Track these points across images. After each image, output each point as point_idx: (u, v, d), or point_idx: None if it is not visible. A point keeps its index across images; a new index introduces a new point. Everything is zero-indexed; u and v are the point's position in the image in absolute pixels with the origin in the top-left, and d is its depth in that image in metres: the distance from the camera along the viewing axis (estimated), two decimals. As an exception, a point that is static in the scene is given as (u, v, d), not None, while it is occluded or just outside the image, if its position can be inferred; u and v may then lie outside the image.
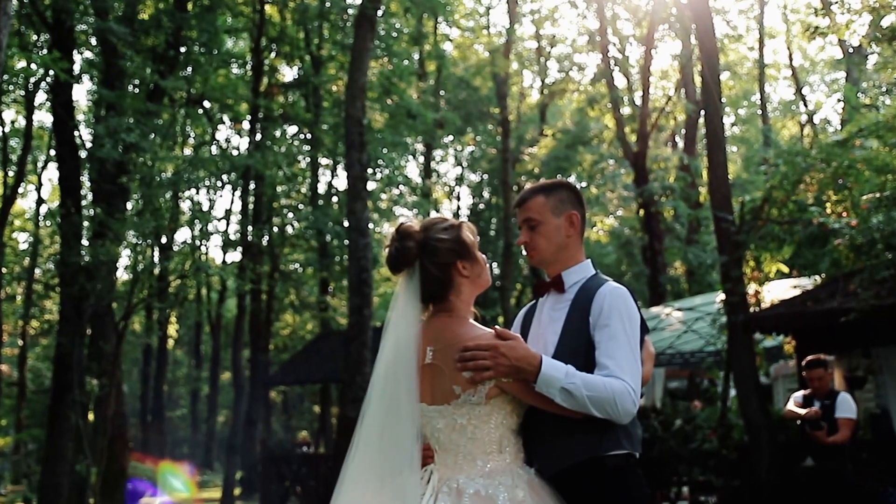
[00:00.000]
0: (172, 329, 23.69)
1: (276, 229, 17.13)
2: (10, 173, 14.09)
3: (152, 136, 11.62)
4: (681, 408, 8.66)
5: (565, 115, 20.26)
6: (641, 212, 15.57)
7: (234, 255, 21.10)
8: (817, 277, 7.93)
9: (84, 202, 11.44)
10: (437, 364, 1.70)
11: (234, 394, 15.89)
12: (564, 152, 18.27)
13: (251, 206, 15.06)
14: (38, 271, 15.64)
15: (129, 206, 11.77)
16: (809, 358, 5.35)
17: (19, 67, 12.80)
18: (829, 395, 5.22)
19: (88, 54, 13.67)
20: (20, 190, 14.97)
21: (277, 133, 16.71)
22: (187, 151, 15.67)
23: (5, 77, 12.13)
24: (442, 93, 19.18)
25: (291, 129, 17.88)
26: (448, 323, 1.74)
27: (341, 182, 21.08)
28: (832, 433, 5.09)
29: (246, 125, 16.08)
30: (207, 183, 17.35)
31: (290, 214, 17.52)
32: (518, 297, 19.81)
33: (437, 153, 20.40)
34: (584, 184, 18.76)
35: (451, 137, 19.76)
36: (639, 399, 1.69)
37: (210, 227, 17.92)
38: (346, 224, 12.80)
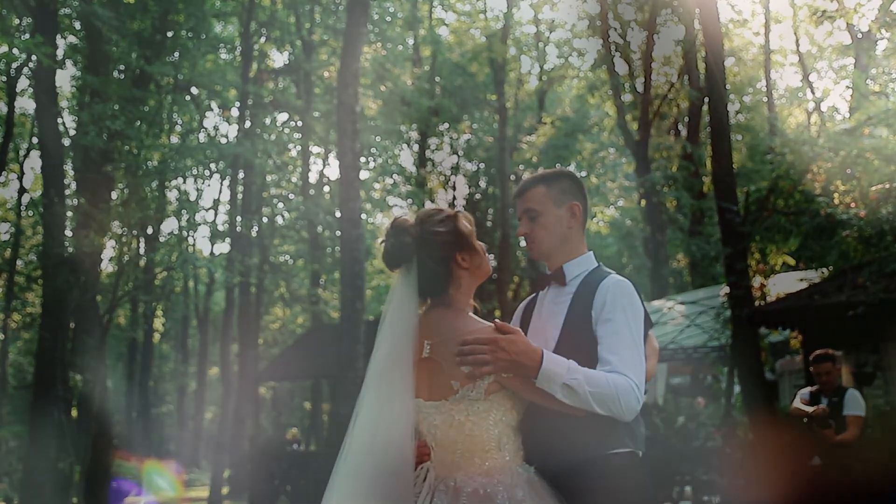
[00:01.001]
0: (158, 323, 23.53)
1: (265, 220, 16.99)
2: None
3: (138, 123, 11.49)
4: (684, 405, 8.54)
5: (565, 103, 20.04)
6: (643, 202, 15.35)
7: (223, 247, 20.92)
8: (824, 270, 7.79)
9: (67, 191, 11.27)
10: (434, 358, 1.66)
11: (223, 390, 15.72)
12: (564, 140, 18.04)
13: (240, 196, 14.83)
14: (19, 263, 15.47)
15: (113, 195, 11.63)
16: (817, 352, 5.21)
17: (0, 52, 12.50)
18: (837, 392, 5.09)
19: (72, 39, 13.43)
20: (1, 179, 14.79)
21: (267, 120, 16.53)
22: (174, 139, 15.45)
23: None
24: (437, 79, 18.90)
25: (282, 117, 17.71)
26: (446, 316, 1.70)
27: (333, 171, 20.85)
28: (840, 431, 4.96)
29: (235, 112, 15.88)
30: (195, 172, 17.16)
31: (281, 204, 17.38)
32: (515, 290, 19.59)
33: (432, 141, 20.12)
34: (584, 173, 18.56)
35: (446, 125, 19.48)
36: (643, 396, 1.64)
37: (197, 218, 17.70)
38: (338, 214, 12.61)
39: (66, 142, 11.31)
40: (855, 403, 5.01)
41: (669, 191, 15.27)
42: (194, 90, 14.60)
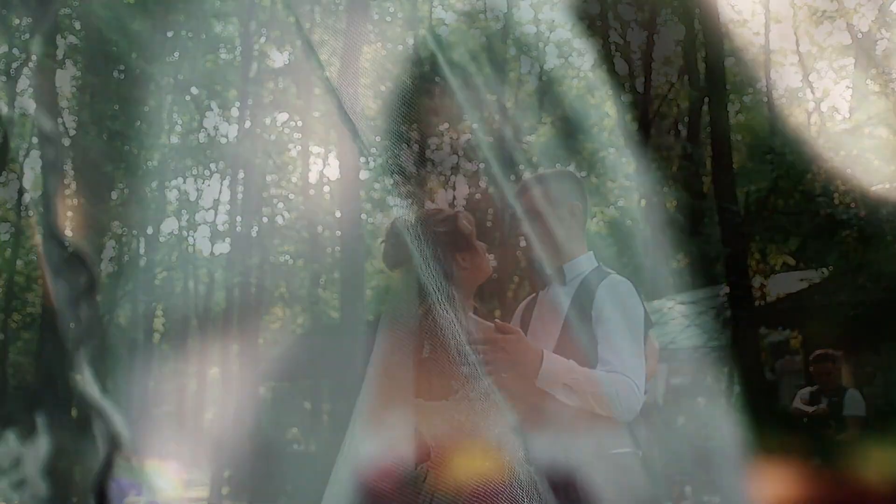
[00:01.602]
0: (158, 323, 23.48)
1: (265, 220, 16.94)
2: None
3: (138, 123, 11.41)
4: (684, 405, 8.52)
5: (565, 103, 19.96)
6: (643, 202, 15.33)
7: (223, 247, 20.80)
8: (825, 270, 7.74)
9: (67, 192, 11.22)
10: (434, 358, 1.66)
11: (223, 390, 15.71)
12: (564, 140, 17.99)
13: (240, 196, 14.81)
14: (19, 263, 15.42)
15: (113, 195, 11.57)
16: (817, 352, 5.22)
17: (0, 52, 12.49)
18: (837, 392, 5.10)
19: (72, 39, 13.38)
20: (1, 179, 14.74)
21: (267, 121, 16.48)
22: (174, 139, 15.40)
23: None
24: (437, 79, 18.84)
25: (282, 117, 17.64)
26: (446, 316, 1.65)
27: (333, 171, 20.79)
28: (840, 431, 4.99)
29: (235, 112, 15.82)
30: (195, 172, 17.11)
31: (281, 204, 17.37)
32: (515, 290, 19.57)
33: (433, 141, 20.10)
34: (584, 173, 18.48)
35: (446, 125, 19.45)
36: (643, 396, 1.64)
37: (197, 218, 17.73)
38: (338, 214, 12.59)
39: (66, 142, 11.29)
40: (855, 404, 5.03)
41: (669, 191, 15.25)
42: (194, 90, 14.58)
